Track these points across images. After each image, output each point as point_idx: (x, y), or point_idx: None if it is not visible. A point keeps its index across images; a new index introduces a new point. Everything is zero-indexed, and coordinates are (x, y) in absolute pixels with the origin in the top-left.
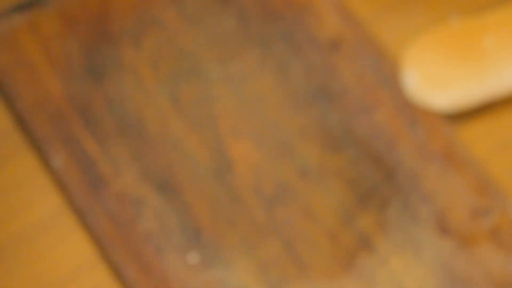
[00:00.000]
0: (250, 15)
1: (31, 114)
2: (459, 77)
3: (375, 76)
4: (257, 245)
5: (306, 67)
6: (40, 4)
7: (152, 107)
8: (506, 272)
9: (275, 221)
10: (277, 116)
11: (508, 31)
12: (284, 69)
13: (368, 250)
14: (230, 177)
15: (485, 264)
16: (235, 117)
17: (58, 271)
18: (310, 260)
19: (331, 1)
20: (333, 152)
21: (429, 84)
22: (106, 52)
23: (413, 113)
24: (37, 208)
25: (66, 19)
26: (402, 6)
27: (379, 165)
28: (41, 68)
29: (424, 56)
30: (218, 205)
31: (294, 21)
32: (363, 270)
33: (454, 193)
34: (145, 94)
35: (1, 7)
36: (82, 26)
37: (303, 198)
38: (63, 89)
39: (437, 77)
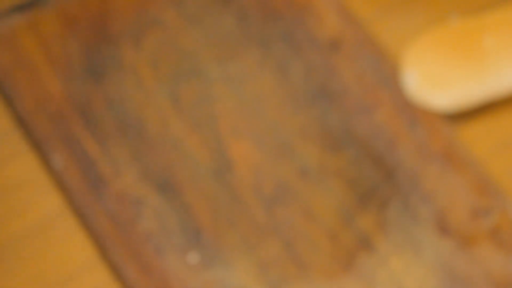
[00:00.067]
0: (250, 15)
1: (31, 114)
2: (459, 77)
3: (375, 76)
4: (257, 245)
5: (306, 67)
6: (40, 4)
7: (152, 107)
8: (506, 272)
9: (275, 221)
10: (277, 116)
11: (508, 31)
12: (284, 69)
13: (368, 250)
14: (230, 177)
15: (485, 264)
16: (235, 117)
17: (58, 271)
18: (310, 260)
19: (331, 1)
20: (333, 152)
21: (429, 84)
22: (106, 52)
23: (413, 113)
24: (37, 208)
25: (66, 19)
26: (402, 6)
27: (379, 165)
28: (41, 68)
29: (424, 56)
30: (218, 205)
31: (294, 21)
32: (363, 270)
33: (454, 193)
34: (145, 94)
35: (1, 7)
36: (82, 26)
37: (303, 198)
38: (63, 89)
39: (437, 77)
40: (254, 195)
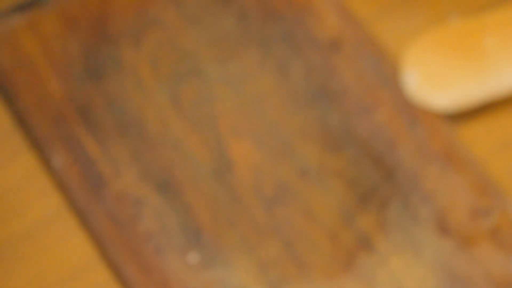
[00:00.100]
0: (250, 15)
1: (31, 114)
2: (459, 77)
3: (375, 76)
4: (257, 245)
5: (306, 67)
6: (40, 4)
7: (152, 107)
8: (506, 272)
9: (275, 221)
10: (277, 116)
11: (508, 31)
12: (284, 69)
13: (368, 250)
14: (230, 177)
15: (485, 264)
16: (235, 117)
17: (58, 271)
18: (310, 260)
19: (331, 1)
20: (333, 152)
21: (429, 84)
22: (106, 52)
23: (413, 113)
24: (37, 208)
25: (66, 19)
26: (402, 6)
27: (379, 165)
28: (41, 68)
29: (424, 56)
30: (218, 205)
31: (294, 21)
32: (363, 270)
33: (454, 193)
34: (145, 94)
35: (1, 7)
36: (82, 26)
37: (303, 198)
38: (63, 89)
39: (437, 77)
40: (254, 195)
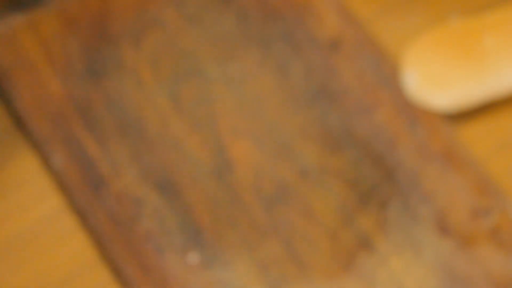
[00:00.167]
0: (250, 15)
1: (31, 114)
2: (459, 77)
3: (375, 76)
4: (257, 245)
5: (306, 67)
6: (40, 4)
7: (152, 107)
8: (506, 272)
9: (275, 221)
10: (277, 116)
11: (508, 31)
12: (284, 69)
13: (368, 250)
14: (230, 177)
15: (485, 264)
16: (235, 117)
17: (58, 271)
18: (310, 260)
19: (331, 1)
20: (333, 152)
21: (429, 84)
22: (106, 52)
23: (413, 113)
24: (37, 208)
25: (66, 19)
26: (402, 6)
27: (379, 165)
28: (41, 68)
29: (424, 56)
30: (218, 205)
31: (294, 21)
32: (363, 270)
33: (454, 193)
34: (145, 94)
35: (1, 7)
36: (82, 26)
37: (303, 198)
38: (63, 89)
39: (437, 77)
40: (254, 195)
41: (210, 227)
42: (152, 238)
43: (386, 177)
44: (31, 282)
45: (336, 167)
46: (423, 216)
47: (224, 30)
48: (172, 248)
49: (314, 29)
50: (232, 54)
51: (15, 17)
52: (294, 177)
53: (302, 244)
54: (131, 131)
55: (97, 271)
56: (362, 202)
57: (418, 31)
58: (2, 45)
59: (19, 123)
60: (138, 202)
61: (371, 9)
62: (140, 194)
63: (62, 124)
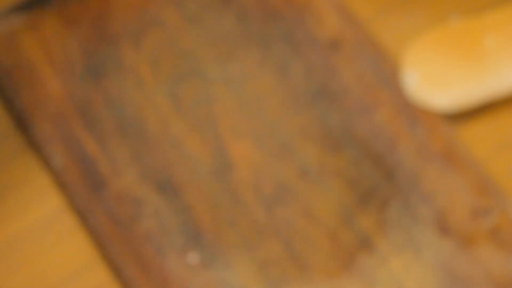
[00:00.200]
0: (250, 15)
1: (31, 114)
2: (459, 77)
3: (375, 76)
4: (257, 245)
5: (306, 67)
6: (40, 4)
7: (152, 107)
8: (506, 272)
9: (275, 221)
10: (277, 116)
11: (508, 31)
12: (284, 69)
13: (368, 250)
14: (230, 177)
15: (485, 264)
16: (235, 117)
17: (58, 271)
18: (310, 260)
19: (331, 1)
20: (333, 152)
21: (429, 84)
22: (106, 52)
23: (413, 113)
24: (37, 208)
25: (66, 19)
26: (402, 6)
27: (379, 165)
28: (41, 68)
29: (424, 56)
30: (218, 205)
31: (294, 21)
32: (363, 270)
33: (454, 193)
34: (145, 94)
35: (1, 7)
36: (82, 26)
37: (303, 198)
38: (63, 89)
39: (437, 77)
40: (254, 195)
41: (210, 227)
42: (152, 238)
43: (386, 177)
44: (31, 282)
45: (336, 167)
46: (423, 216)
47: (224, 30)
48: (172, 248)
49: (314, 29)
50: (232, 54)
51: (15, 17)
52: (294, 177)
53: (302, 244)
54: (131, 131)
55: (97, 271)
56: (362, 202)
57: (418, 31)
58: (2, 45)
59: (19, 123)
60: (138, 202)
61: (371, 9)
62: (140, 194)
63: (62, 124)
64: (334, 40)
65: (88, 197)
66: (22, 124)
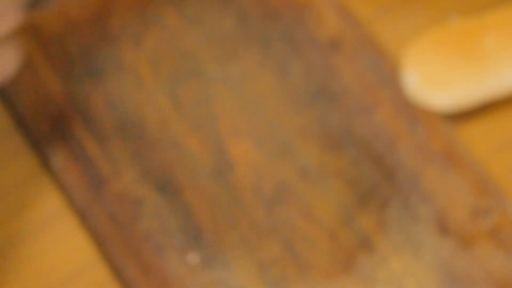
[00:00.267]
0: (250, 15)
1: (31, 114)
2: (459, 77)
3: (375, 76)
4: (257, 245)
5: (306, 67)
6: (40, 4)
7: (152, 107)
8: (506, 272)
9: (275, 221)
10: (277, 116)
11: (508, 31)
12: (284, 69)
13: (368, 250)
14: (230, 177)
15: (485, 264)
16: (235, 117)
17: (58, 271)
18: (310, 260)
19: (331, 1)
20: (333, 152)
21: (429, 84)
22: (106, 52)
23: (413, 113)
24: (37, 208)
25: (66, 19)
26: (402, 6)
27: (379, 165)
28: (41, 68)
29: (424, 56)
30: (218, 205)
31: (294, 21)
32: (363, 270)
33: (454, 193)
34: (145, 94)
35: None
36: (82, 26)
37: (303, 198)
38: (63, 89)
39: (437, 77)
40: (254, 195)
41: (210, 227)
42: (152, 238)
43: (386, 177)
44: (31, 282)
45: (336, 167)
46: (423, 216)
47: (224, 30)
48: (172, 248)
49: (314, 29)
50: (232, 54)
51: None
52: (294, 177)
53: (302, 244)
54: (131, 131)
55: (97, 271)
56: (362, 202)
57: (418, 31)
58: None
59: (19, 123)
60: (138, 202)
61: (371, 9)
62: (140, 194)
63: (62, 124)
64: (334, 40)
65: (88, 197)
66: (22, 124)
